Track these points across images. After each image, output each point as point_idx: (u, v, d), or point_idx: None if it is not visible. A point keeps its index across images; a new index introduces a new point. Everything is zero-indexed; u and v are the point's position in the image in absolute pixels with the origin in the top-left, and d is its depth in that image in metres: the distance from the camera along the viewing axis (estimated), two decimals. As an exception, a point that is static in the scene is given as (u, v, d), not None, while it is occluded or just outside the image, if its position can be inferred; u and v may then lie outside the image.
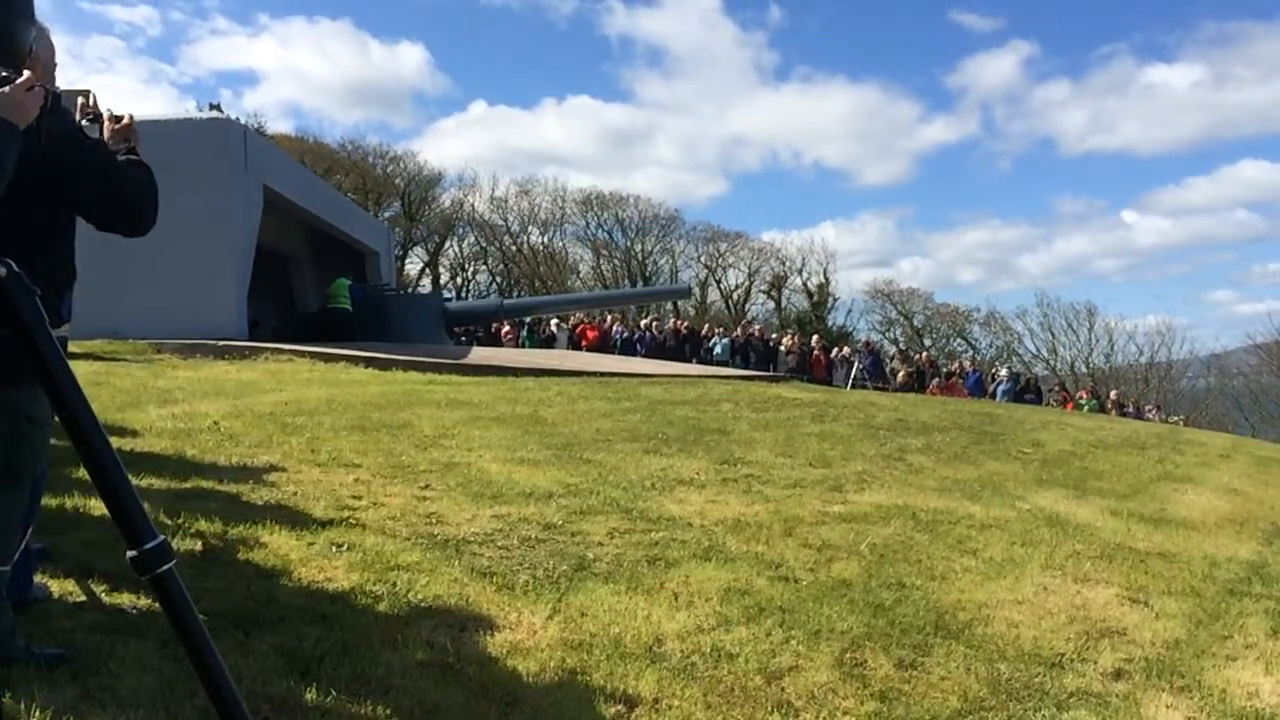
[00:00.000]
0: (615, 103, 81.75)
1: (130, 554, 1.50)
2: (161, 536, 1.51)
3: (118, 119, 3.15)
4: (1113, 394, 29.05)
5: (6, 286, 1.51)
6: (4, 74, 2.47)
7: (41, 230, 2.84)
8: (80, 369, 9.09)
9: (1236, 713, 3.49)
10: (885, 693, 3.43)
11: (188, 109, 42.05)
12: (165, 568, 1.49)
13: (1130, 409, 26.85)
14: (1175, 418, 29.41)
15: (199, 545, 4.27)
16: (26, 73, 2.52)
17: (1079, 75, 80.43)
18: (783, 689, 3.39)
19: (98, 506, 4.56)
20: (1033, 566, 5.18)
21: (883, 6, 77.68)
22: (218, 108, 39.27)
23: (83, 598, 3.50)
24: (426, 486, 5.90)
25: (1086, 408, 25.07)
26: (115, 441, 6.00)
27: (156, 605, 3.32)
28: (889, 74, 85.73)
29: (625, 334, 25.37)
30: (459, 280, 53.65)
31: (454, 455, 6.90)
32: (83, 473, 4.38)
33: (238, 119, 27.51)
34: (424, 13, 78.22)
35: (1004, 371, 27.94)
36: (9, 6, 2.47)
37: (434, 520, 5.13)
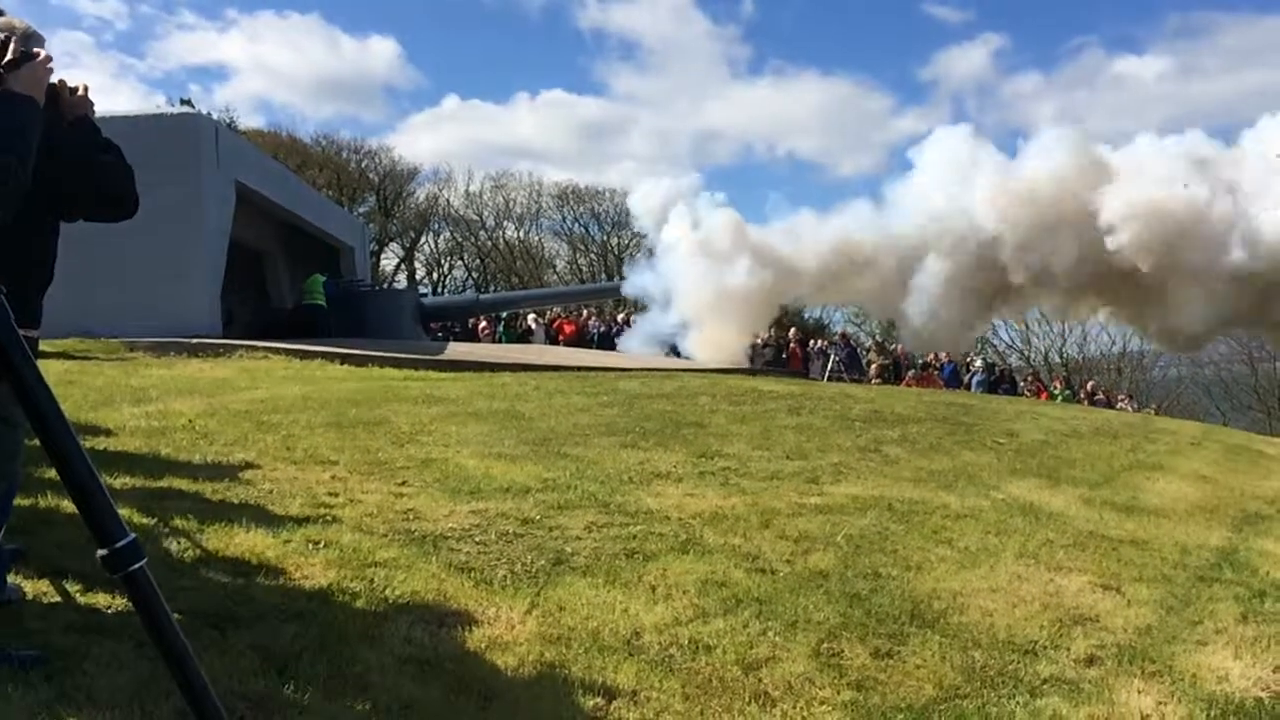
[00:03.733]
0: (589, 96, 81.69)
1: (100, 553, 1.50)
2: (131, 535, 1.51)
3: (73, 90, 3.12)
4: (1089, 385, 29.36)
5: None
6: (24, 50, 2.48)
7: (19, 226, 2.82)
8: (52, 368, 9.02)
9: (1207, 697, 3.54)
10: (862, 682, 3.46)
11: (158, 104, 41.70)
12: (136, 566, 1.49)
13: (1101, 398, 27.11)
14: (1148, 408, 29.71)
15: (174, 544, 4.24)
16: (42, 51, 2.54)
17: (1049, 68, 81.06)
18: (760, 680, 3.41)
19: (70, 506, 4.51)
20: (1007, 555, 5.22)
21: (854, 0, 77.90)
22: (189, 103, 39.01)
23: (57, 598, 3.48)
24: (403, 483, 5.89)
25: (1060, 398, 25.30)
26: (88, 441, 5.97)
27: (130, 606, 3.32)
28: (862, 67, 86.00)
29: (602, 328, 25.35)
30: (434, 275, 53.50)
31: (431, 451, 6.89)
32: (55, 473, 4.35)
33: (209, 114, 27.32)
34: (395, 6, 77.89)
35: (978, 362, 28.10)
36: None
37: (411, 516, 5.12)
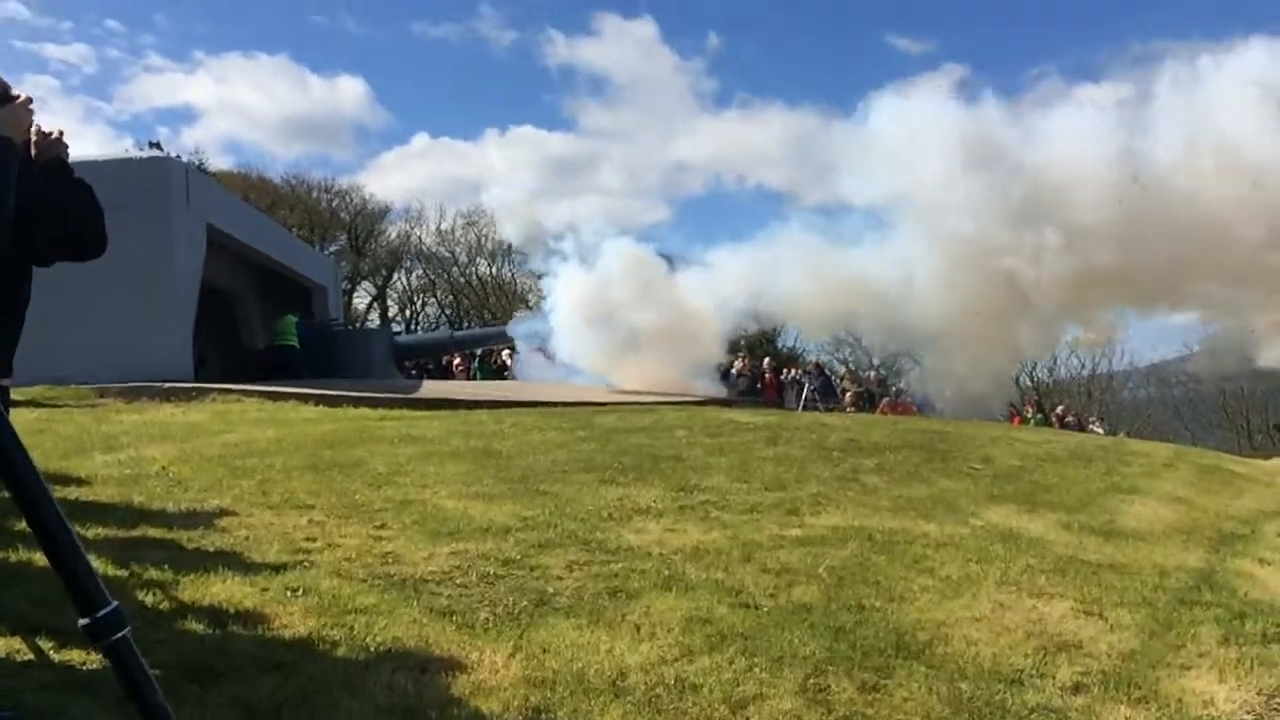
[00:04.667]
0: (558, 132, 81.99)
1: (82, 622, 1.47)
2: (114, 603, 1.48)
3: (46, 134, 3.11)
4: (1059, 408, 29.57)
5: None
6: (3, 92, 2.48)
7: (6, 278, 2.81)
8: (20, 417, 8.89)
9: (1192, 721, 3.55)
10: (849, 717, 3.45)
11: (126, 147, 41.49)
12: (119, 635, 1.46)
13: (1073, 421, 27.32)
14: (1120, 431, 29.95)
15: (149, 596, 4.18)
16: (23, 93, 2.53)
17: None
18: (748, 718, 3.39)
19: (41, 560, 4.44)
20: (988, 583, 5.23)
21: (818, 32, 78.88)
22: (158, 145, 38.80)
23: (30, 656, 3.40)
24: (382, 526, 5.83)
25: (1033, 422, 25.47)
26: (60, 491, 5.87)
27: (106, 663, 3.25)
28: (825, 98, 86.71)
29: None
30: (408, 313, 53.31)
31: (409, 492, 6.83)
32: (25, 525, 4.26)
33: (178, 156, 27.21)
34: (362, 46, 77.88)
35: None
36: None
37: (390, 560, 5.07)
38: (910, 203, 19.37)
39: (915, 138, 18.97)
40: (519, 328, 22.15)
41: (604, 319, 19.01)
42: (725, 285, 20.11)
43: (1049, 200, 18.18)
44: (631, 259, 20.18)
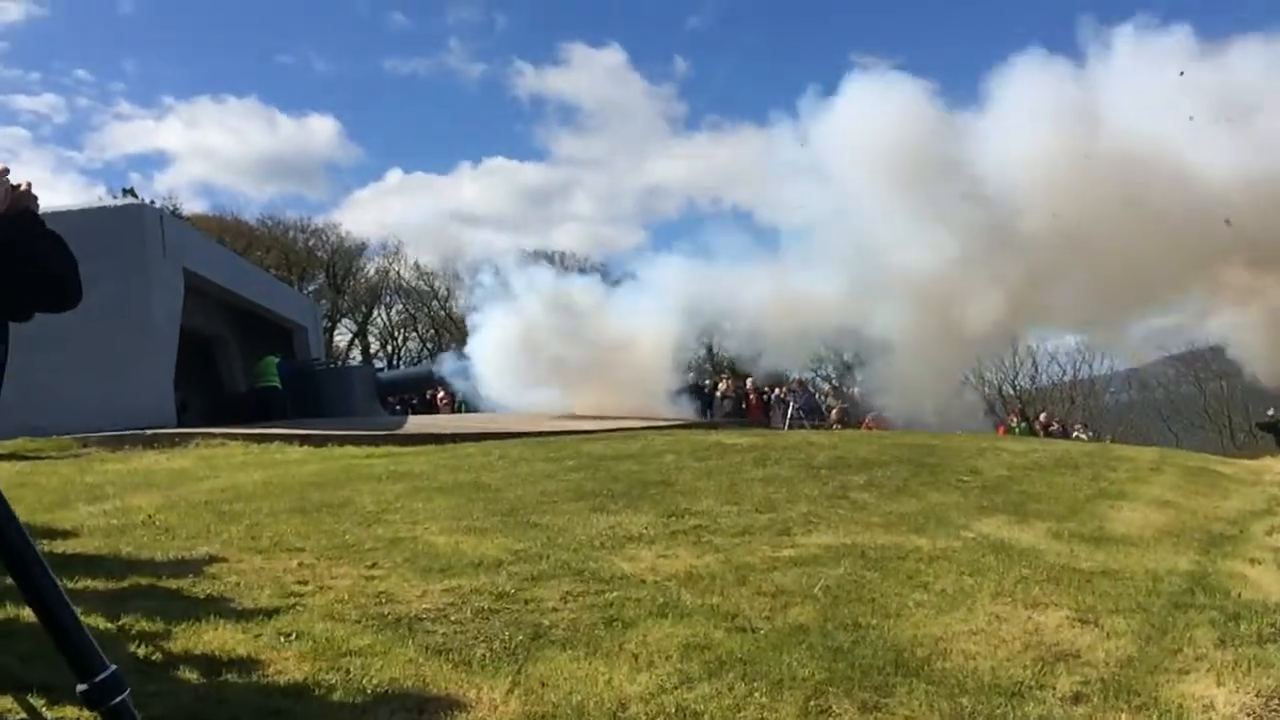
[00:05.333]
0: (531, 161, 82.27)
1: (80, 688, 1.45)
2: (112, 667, 1.46)
3: (15, 186, 3.09)
4: (1042, 416, 29.72)
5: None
6: None
7: None
8: (2, 471, 8.79)
9: (1193, 726, 3.55)
10: (852, 738, 3.43)
11: (99, 195, 41.44)
12: (119, 699, 1.44)
13: (1056, 428, 27.44)
14: (1106, 437, 30.09)
15: (141, 647, 4.13)
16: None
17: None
18: (751, 744, 3.38)
19: (31, 615, 4.39)
20: (983, 596, 5.24)
21: (785, 53, 79.24)
22: (131, 192, 38.83)
23: (22, 714, 3.35)
24: (373, 565, 5.79)
25: (1018, 430, 25.57)
26: (45, 545, 5.82)
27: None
28: (795, 116, 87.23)
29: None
30: (389, 349, 53.21)
31: (399, 530, 6.79)
32: (10, 580, 4.21)
33: (152, 202, 27.15)
34: (331, 85, 78.04)
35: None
36: None
37: (384, 600, 5.03)
38: (843, 219, 19.63)
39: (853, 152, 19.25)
40: (446, 367, 22.13)
41: (528, 354, 19.01)
42: (665, 306, 20.19)
43: (999, 219, 18.43)
44: (549, 294, 20.24)
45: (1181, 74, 17.05)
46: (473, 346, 20.38)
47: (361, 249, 52.30)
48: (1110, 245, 17.55)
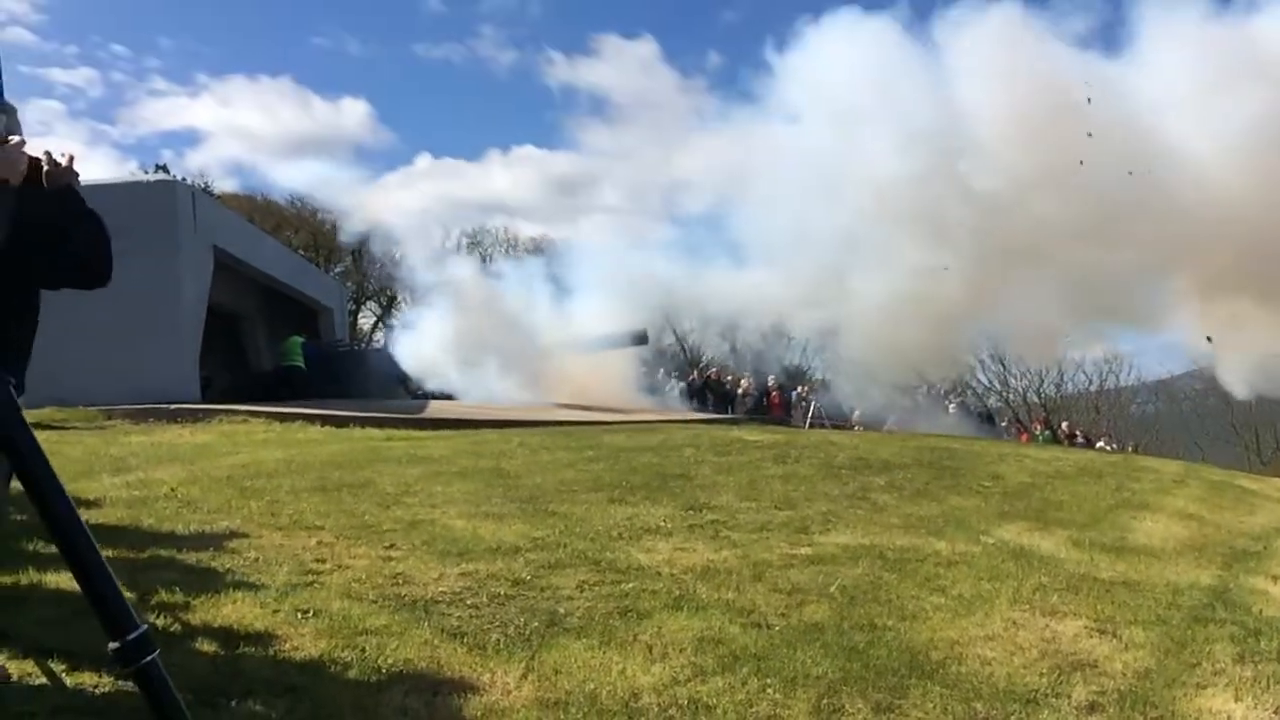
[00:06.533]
0: (560, 151, 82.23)
1: (112, 646, 1.46)
2: (144, 625, 1.47)
3: (56, 162, 3.12)
4: (1064, 425, 29.52)
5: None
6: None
7: (11, 306, 2.81)
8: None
9: (1210, 741, 3.52)
10: (865, 738, 3.42)
11: (131, 170, 41.72)
12: (149, 658, 1.45)
13: (1080, 438, 27.24)
14: (1129, 446, 29.88)
15: (161, 618, 4.16)
16: (15, 136, 2.55)
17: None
18: (762, 739, 3.37)
19: (52, 581, 4.44)
20: (1001, 601, 5.20)
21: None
22: (164, 168, 39.04)
23: (42, 679, 3.39)
24: (391, 546, 5.82)
25: (1041, 439, 25.41)
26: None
27: (119, 685, 3.24)
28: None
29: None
30: (412, 332, 53.27)
31: (417, 513, 6.82)
32: (35, 547, 4.27)
33: (184, 179, 27.34)
34: (365, 68, 78.17)
35: (952, 407, 28.24)
36: None
37: (401, 581, 5.05)
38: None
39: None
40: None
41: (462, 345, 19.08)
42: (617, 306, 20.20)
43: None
44: (472, 284, 20.25)
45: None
46: (414, 336, 20.37)
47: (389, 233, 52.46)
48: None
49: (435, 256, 21.18)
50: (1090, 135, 17.15)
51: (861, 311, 19.71)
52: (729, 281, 20.70)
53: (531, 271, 23.55)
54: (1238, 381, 19.92)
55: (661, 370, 26.92)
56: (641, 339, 22.46)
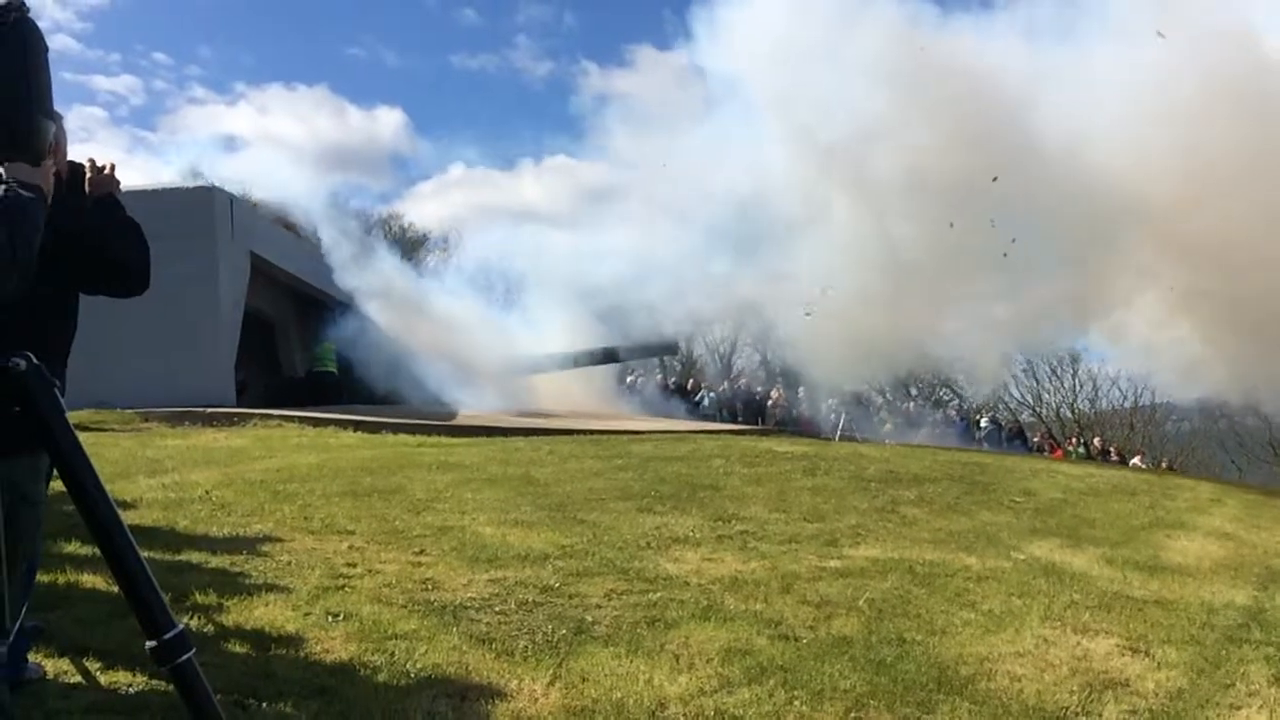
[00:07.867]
0: (591, 160, 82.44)
1: (149, 644, 1.49)
2: (180, 625, 1.50)
3: (100, 169, 3.18)
4: (1096, 440, 29.19)
5: (26, 380, 1.51)
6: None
7: (52, 309, 2.86)
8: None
9: (1244, 763, 3.47)
10: (892, 752, 3.40)
11: (171, 176, 42.18)
12: (185, 657, 1.48)
13: (1114, 455, 26.91)
14: (1161, 464, 29.49)
15: (194, 619, 4.22)
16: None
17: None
18: (789, 751, 3.36)
19: (89, 581, 4.52)
20: (1032, 618, 5.16)
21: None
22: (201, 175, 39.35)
23: (77, 677, 3.45)
24: (421, 552, 5.86)
25: (1075, 455, 25.14)
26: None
27: (152, 684, 3.29)
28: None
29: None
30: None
31: (447, 519, 6.86)
32: (74, 547, 4.34)
33: (222, 186, 27.62)
34: (401, 78, 78.81)
35: (984, 421, 28.05)
36: (38, 105, 2.53)
37: (430, 586, 5.09)
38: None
39: None
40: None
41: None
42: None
43: None
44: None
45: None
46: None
47: (423, 240, 52.89)
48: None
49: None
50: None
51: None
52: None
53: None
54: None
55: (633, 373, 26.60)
56: (672, 349, 22.39)
